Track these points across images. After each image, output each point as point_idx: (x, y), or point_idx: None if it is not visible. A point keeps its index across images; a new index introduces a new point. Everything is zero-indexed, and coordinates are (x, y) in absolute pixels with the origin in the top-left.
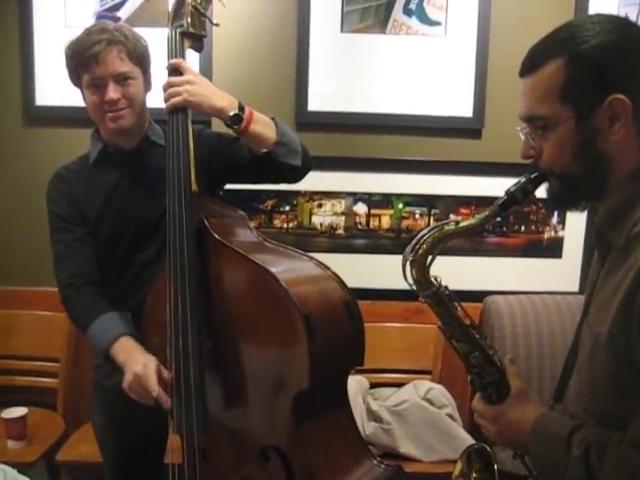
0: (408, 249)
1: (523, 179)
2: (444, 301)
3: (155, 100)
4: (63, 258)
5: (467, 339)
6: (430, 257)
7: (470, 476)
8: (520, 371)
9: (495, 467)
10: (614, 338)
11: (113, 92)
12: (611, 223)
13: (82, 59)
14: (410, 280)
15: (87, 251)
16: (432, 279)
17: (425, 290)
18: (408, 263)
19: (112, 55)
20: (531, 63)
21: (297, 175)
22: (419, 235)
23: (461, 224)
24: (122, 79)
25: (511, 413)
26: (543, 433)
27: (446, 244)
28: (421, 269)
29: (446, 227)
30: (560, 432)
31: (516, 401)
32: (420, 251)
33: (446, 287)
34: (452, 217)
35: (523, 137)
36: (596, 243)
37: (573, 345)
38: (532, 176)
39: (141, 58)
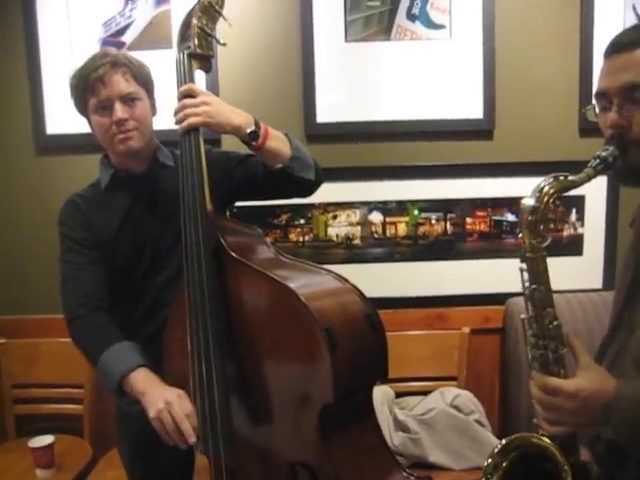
0: (531, 198)
1: (606, 147)
2: (544, 260)
3: (160, 123)
4: (74, 278)
5: (552, 305)
6: (549, 210)
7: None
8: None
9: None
10: None
11: (121, 112)
12: None
13: (88, 83)
14: (525, 232)
15: (99, 274)
16: (543, 235)
17: (540, 243)
18: (528, 213)
19: (117, 76)
20: (637, 39)
21: (311, 189)
22: (541, 184)
23: (569, 178)
24: (129, 100)
25: (591, 385)
26: (633, 397)
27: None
28: (541, 220)
29: (561, 178)
30: None
31: (592, 373)
32: (544, 201)
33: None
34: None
35: (604, 110)
36: None
37: (617, 319)
38: (617, 143)
39: (146, 80)
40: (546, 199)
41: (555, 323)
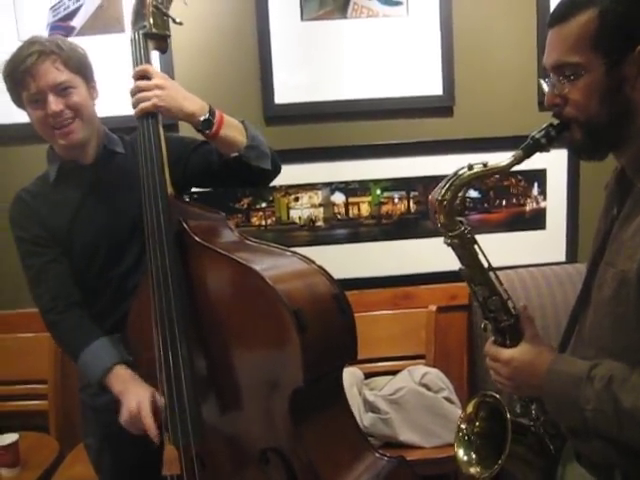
0: (437, 190)
1: (546, 125)
2: (467, 243)
3: (117, 109)
4: (38, 283)
5: (486, 283)
6: (459, 198)
7: (474, 422)
8: (533, 318)
9: (508, 416)
10: None
11: (54, 104)
12: (638, 166)
13: (17, 76)
14: (437, 221)
15: (61, 272)
16: (458, 221)
17: (451, 231)
18: (437, 203)
19: (46, 66)
20: (563, 13)
21: (267, 179)
22: (448, 177)
23: (489, 165)
24: (61, 89)
25: (525, 356)
26: (561, 373)
27: (472, 185)
28: (449, 210)
29: (475, 168)
30: (579, 370)
31: (530, 345)
32: (449, 192)
33: (470, 230)
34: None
35: (547, 87)
36: (616, 186)
37: (583, 292)
38: (555, 123)
39: (80, 66)
40: (454, 191)
41: (494, 298)
